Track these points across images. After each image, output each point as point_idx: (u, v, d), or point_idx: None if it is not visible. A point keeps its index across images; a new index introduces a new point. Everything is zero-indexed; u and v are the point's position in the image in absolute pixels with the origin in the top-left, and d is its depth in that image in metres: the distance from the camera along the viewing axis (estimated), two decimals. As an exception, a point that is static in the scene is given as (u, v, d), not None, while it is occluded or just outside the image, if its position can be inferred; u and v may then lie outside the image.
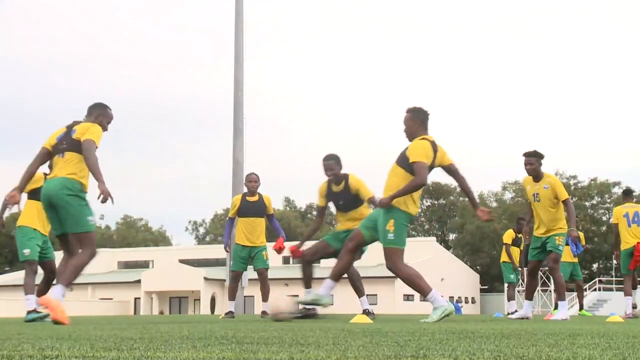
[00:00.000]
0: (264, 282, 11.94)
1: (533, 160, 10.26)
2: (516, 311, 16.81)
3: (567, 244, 10.39)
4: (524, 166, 10.32)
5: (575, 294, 19.34)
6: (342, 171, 9.59)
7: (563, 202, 10.14)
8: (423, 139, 7.87)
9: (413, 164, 7.69)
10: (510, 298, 16.97)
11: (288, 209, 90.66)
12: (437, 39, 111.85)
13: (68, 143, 7.75)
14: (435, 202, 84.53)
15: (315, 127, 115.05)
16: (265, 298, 11.79)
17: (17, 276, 56.23)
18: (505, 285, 17.59)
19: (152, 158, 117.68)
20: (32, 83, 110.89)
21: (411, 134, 7.98)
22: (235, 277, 12.08)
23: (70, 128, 7.85)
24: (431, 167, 7.88)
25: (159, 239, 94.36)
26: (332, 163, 9.55)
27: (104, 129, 7.99)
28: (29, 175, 7.93)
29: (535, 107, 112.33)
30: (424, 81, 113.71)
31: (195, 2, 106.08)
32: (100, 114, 8.03)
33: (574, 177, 74.38)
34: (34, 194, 9.94)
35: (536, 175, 10.27)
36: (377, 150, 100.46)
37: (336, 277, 8.33)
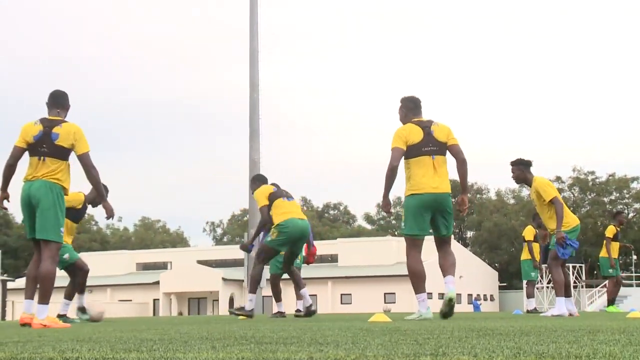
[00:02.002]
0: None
1: (514, 169, 10.36)
2: (535, 309, 16.73)
3: (563, 246, 10.15)
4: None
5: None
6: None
7: (550, 202, 10.03)
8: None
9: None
10: (530, 295, 16.85)
11: (305, 208, 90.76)
12: (456, 33, 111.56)
13: (50, 148, 7.47)
14: (452, 200, 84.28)
15: (331, 126, 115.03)
16: (298, 297, 12.03)
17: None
18: (524, 282, 17.46)
19: (169, 159, 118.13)
20: (49, 84, 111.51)
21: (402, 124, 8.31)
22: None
23: (49, 128, 7.49)
24: (429, 142, 7.97)
25: (177, 241, 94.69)
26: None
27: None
28: (10, 173, 7.68)
29: (552, 103, 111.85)
30: (445, 79, 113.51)
31: (212, 3, 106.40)
32: (68, 103, 7.80)
33: (592, 172, 73.95)
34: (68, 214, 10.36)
35: (525, 182, 10.36)
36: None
37: None
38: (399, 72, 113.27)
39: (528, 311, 16.45)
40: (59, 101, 7.73)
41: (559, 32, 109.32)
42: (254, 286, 10.67)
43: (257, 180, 11.10)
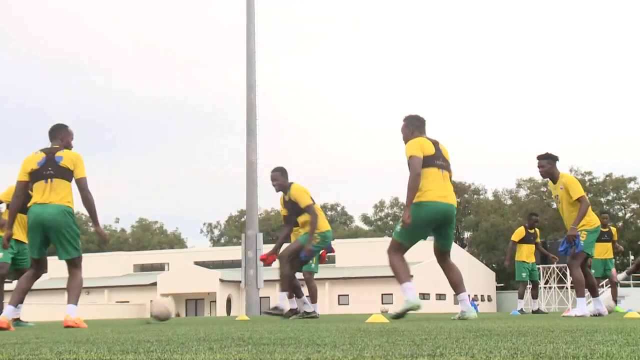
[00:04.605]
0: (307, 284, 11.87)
1: (544, 162, 10.18)
2: (539, 309, 16.68)
3: (572, 245, 10.11)
4: (537, 169, 10.26)
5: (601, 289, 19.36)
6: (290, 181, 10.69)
7: (577, 200, 9.95)
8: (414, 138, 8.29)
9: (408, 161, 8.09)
10: (535, 297, 16.81)
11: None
12: (454, 34, 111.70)
13: (55, 170, 7.98)
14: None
15: (329, 127, 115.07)
16: (312, 299, 11.59)
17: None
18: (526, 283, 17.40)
19: (166, 160, 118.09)
20: (43, 87, 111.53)
21: (407, 141, 8.34)
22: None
23: (52, 154, 8.04)
24: (439, 157, 8.17)
25: (174, 242, 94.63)
26: (276, 174, 10.62)
27: (71, 146, 8.32)
28: (15, 212, 8.28)
29: (549, 104, 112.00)
30: (440, 78, 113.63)
31: (211, 3, 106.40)
32: (65, 135, 8.31)
33: (589, 173, 74.04)
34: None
35: (551, 177, 10.19)
36: (394, 149, 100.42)
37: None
38: (398, 72, 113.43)
39: (533, 311, 16.42)
40: (54, 134, 8.32)
41: (557, 32, 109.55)
42: (286, 285, 10.65)
43: (286, 172, 10.76)
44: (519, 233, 16.44)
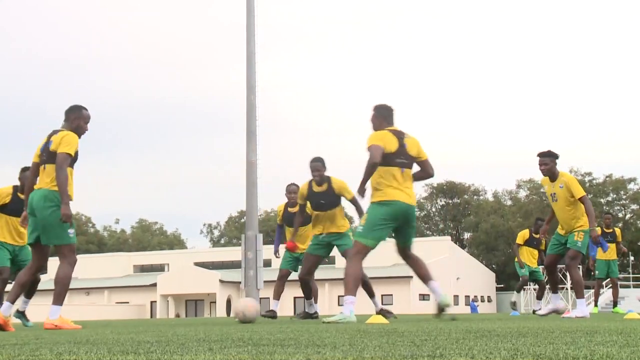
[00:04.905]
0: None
1: (547, 160, 10.15)
2: (540, 309, 16.67)
3: (598, 244, 10.19)
4: (538, 167, 10.22)
5: (593, 290, 19.48)
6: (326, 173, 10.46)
7: (579, 200, 9.98)
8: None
9: (367, 150, 7.92)
10: (539, 297, 16.78)
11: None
12: (454, 34, 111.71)
13: (47, 155, 7.86)
14: (450, 201, 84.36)
15: (329, 127, 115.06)
16: (314, 299, 11.44)
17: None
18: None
19: (166, 161, 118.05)
20: (43, 87, 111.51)
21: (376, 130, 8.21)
22: (282, 277, 11.61)
23: (49, 138, 7.93)
24: (401, 154, 7.94)
25: (174, 242, 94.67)
26: (319, 165, 10.37)
27: (83, 130, 8.04)
28: (29, 191, 8.02)
29: (549, 104, 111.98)
30: (440, 78, 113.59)
31: (211, 3, 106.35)
32: (76, 117, 8.05)
33: (589, 174, 74.05)
34: (3, 209, 10.49)
35: (552, 175, 10.16)
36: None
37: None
38: (398, 72, 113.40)
39: (534, 311, 16.40)
40: (66, 115, 8.12)
41: (557, 32, 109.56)
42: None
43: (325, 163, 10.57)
44: (523, 235, 16.44)
